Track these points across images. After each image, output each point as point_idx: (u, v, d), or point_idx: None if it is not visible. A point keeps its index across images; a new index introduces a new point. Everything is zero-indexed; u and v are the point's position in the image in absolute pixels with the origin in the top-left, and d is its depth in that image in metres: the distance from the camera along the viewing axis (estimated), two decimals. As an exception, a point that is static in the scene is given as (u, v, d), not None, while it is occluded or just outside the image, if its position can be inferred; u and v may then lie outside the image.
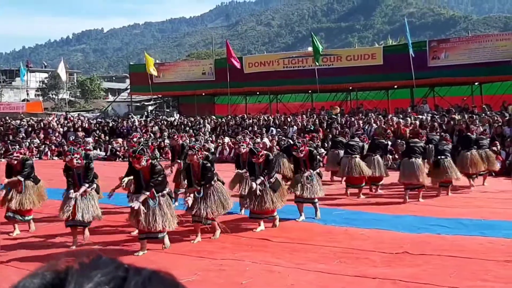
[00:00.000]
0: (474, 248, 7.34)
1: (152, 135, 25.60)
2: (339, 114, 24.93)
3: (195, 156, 8.23)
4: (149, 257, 7.31)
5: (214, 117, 28.78)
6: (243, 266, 6.77)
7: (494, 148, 14.70)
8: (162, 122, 29.05)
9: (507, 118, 18.65)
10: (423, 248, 7.38)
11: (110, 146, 25.09)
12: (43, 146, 26.70)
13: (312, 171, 9.44)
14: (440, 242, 7.74)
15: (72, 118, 33.09)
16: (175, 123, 28.42)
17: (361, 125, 21.38)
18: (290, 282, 6.12)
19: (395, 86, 28.02)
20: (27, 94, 54.04)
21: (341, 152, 13.11)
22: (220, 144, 22.06)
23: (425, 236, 8.11)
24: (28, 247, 8.09)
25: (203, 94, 33.33)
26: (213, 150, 20.99)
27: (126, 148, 24.46)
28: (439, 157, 11.89)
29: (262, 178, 8.67)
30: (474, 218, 9.34)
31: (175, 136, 11.75)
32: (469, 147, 13.03)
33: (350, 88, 29.09)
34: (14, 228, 9.14)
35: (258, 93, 32.28)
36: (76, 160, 8.17)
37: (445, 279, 5.97)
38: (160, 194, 7.61)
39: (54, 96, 56.50)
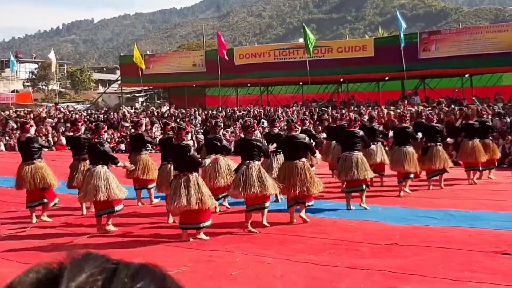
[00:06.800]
0: (462, 239, 7.39)
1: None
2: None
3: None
4: (139, 249, 7.32)
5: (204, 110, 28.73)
6: (232, 258, 6.79)
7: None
8: (153, 113, 28.97)
9: (496, 111, 18.66)
10: (411, 239, 7.42)
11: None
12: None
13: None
14: (428, 233, 7.79)
15: (62, 109, 32.94)
16: (166, 115, 28.34)
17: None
18: (279, 273, 6.14)
19: (386, 78, 28.06)
20: (23, 85, 53.50)
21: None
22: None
23: (414, 228, 8.16)
24: (23, 238, 8.08)
25: (194, 85, 33.22)
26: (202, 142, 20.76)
27: (117, 139, 24.44)
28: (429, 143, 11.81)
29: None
30: (463, 210, 9.40)
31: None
32: (473, 136, 12.54)
33: (341, 80, 29.09)
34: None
35: (249, 84, 32.24)
36: None
37: (433, 270, 6.02)
38: None
39: (44, 87, 56.08)
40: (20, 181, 9.21)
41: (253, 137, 8.49)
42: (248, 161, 8.33)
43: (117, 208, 8.41)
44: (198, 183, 7.73)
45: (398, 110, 20.58)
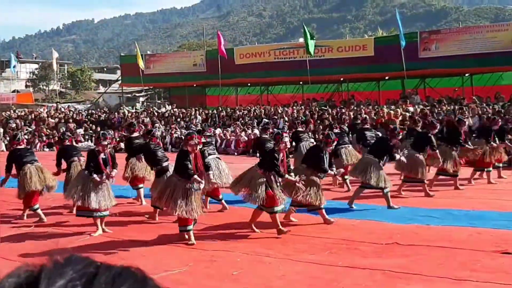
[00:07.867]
0: (463, 238, 7.40)
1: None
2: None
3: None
4: (140, 249, 7.33)
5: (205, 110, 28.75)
6: (234, 257, 6.80)
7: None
8: (153, 113, 28.98)
9: (497, 110, 18.66)
10: (412, 239, 7.43)
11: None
12: (34, 137, 26.58)
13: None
14: (429, 232, 7.79)
15: (63, 110, 32.98)
16: (167, 115, 28.36)
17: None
18: (280, 273, 6.15)
19: (386, 77, 28.07)
20: (25, 86, 53.40)
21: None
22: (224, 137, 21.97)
23: (415, 227, 8.17)
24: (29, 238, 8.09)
25: (194, 85, 33.25)
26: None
27: (117, 139, 24.41)
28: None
29: None
30: (464, 209, 9.40)
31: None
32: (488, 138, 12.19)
33: (341, 79, 29.10)
34: None
35: (249, 84, 32.27)
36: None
37: (434, 269, 6.03)
38: None
39: (44, 87, 56.06)
40: (25, 184, 9.21)
41: (276, 148, 8.25)
42: (257, 167, 8.29)
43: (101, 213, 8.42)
44: (173, 190, 7.57)
45: (399, 110, 20.61)
